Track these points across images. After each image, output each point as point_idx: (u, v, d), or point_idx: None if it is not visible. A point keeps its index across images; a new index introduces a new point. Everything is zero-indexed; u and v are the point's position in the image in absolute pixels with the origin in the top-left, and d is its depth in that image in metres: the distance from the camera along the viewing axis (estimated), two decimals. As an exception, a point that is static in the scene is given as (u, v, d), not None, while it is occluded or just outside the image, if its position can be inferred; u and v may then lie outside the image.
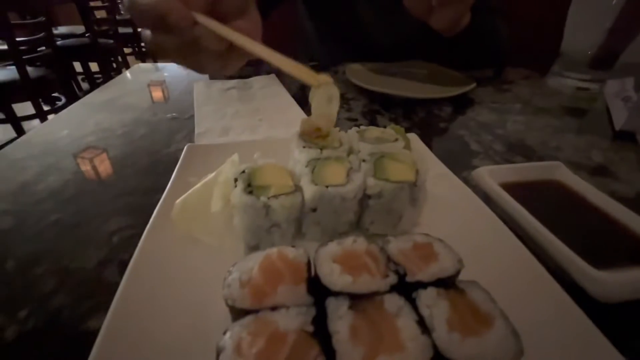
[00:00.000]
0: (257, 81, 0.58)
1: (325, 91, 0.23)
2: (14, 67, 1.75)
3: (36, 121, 2.09)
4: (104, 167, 0.35)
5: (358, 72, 0.59)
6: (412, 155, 0.24)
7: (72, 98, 2.14)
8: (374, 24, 0.65)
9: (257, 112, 0.46)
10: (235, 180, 0.21)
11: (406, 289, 0.14)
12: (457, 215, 0.23)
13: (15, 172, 0.33)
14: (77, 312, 0.19)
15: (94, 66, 2.50)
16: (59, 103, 2.17)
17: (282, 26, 0.72)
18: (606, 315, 0.17)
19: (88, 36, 2.31)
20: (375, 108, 0.50)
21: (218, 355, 0.12)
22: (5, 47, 1.64)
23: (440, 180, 0.28)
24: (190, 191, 0.24)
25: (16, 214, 0.28)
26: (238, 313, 0.14)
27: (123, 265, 0.20)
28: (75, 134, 0.42)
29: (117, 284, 0.18)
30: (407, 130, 0.31)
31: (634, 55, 0.55)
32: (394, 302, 0.13)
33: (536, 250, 0.22)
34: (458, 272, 0.16)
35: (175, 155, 0.32)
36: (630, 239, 0.23)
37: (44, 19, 1.83)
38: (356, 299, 0.13)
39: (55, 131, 0.43)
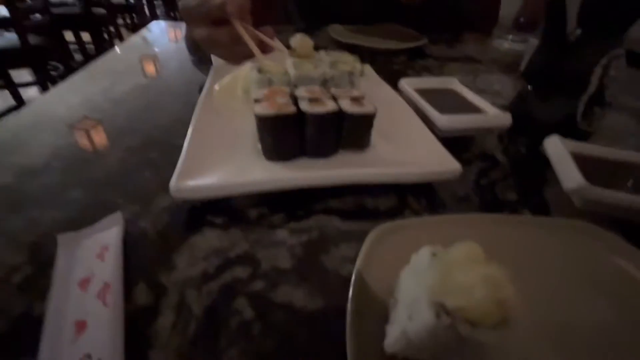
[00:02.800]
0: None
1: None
2: (11, 34, 1.81)
3: (34, 89, 2.17)
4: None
5: (337, 30, 0.75)
6: (354, 62, 0.40)
7: (69, 67, 2.22)
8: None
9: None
10: (252, 68, 0.38)
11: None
12: (383, 105, 0.38)
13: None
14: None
15: (85, 37, 2.54)
16: (54, 73, 2.25)
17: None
18: (446, 142, 0.34)
19: (80, 4, 2.32)
20: (347, 55, 0.66)
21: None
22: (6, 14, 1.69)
23: (378, 90, 0.45)
24: (223, 79, 0.40)
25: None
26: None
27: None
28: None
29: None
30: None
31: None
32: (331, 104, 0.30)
33: (421, 116, 0.39)
34: (374, 114, 0.32)
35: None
36: (469, 107, 0.41)
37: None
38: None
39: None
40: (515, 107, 0.43)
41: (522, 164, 0.37)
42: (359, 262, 0.21)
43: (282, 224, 0.27)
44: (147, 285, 0.22)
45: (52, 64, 2.32)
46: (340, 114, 0.29)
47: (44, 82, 1.99)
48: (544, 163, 0.34)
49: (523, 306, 0.14)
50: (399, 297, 0.18)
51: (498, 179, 0.34)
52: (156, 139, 0.37)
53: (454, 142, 0.33)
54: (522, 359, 0.17)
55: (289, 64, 0.38)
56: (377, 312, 0.19)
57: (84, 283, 0.21)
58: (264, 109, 0.28)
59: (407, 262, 0.19)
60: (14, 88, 1.99)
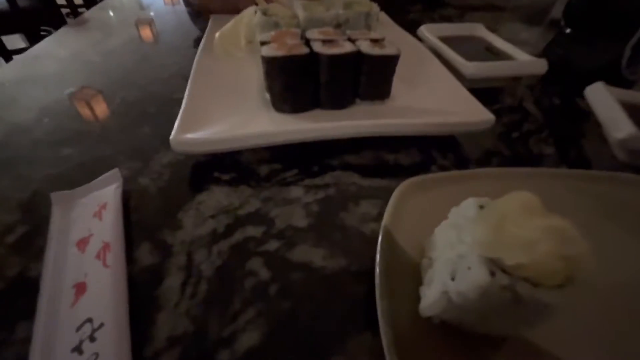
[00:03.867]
0: None
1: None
2: (-3, -3, 1.71)
3: None
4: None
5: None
6: (370, 2, 0.36)
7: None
8: None
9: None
10: (255, 12, 0.33)
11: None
12: (402, 52, 0.34)
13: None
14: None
15: (77, -1, 2.41)
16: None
17: None
18: (471, 93, 0.30)
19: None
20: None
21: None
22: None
23: (396, 36, 0.40)
24: (225, 26, 0.36)
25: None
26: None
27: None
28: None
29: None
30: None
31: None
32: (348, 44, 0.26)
33: (445, 65, 0.35)
34: (397, 56, 0.28)
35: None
36: (497, 54, 0.36)
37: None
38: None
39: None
40: (548, 54, 0.38)
41: (556, 115, 0.34)
42: (385, 218, 0.18)
43: (296, 180, 0.24)
44: (151, 245, 0.20)
45: (44, 29, 2.22)
46: (358, 56, 0.25)
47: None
48: (581, 114, 0.31)
49: (594, 263, 0.12)
50: (435, 256, 0.16)
51: (531, 131, 0.31)
52: (154, 93, 0.34)
53: (480, 93, 0.29)
54: (585, 323, 0.15)
55: (298, 6, 0.34)
56: (408, 272, 0.17)
57: (82, 243, 0.19)
58: (272, 51, 0.24)
59: (441, 218, 0.17)
60: (7, 55, 1.92)
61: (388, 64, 0.26)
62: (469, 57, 0.34)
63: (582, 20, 0.36)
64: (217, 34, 0.36)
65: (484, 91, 0.33)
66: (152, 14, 0.56)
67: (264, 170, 0.25)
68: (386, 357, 0.14)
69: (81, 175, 0.23)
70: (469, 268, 0.13)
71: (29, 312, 0.16)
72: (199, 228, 0.21)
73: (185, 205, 0.22)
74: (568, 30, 0.38)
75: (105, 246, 0.18)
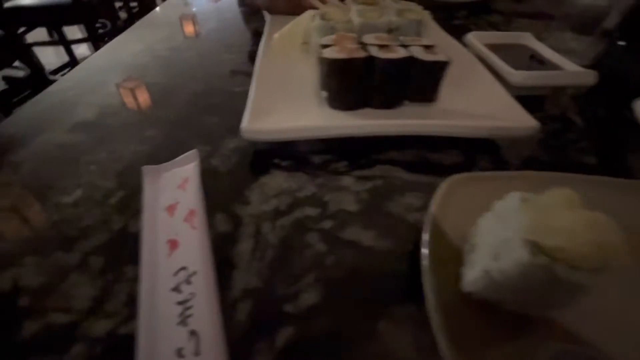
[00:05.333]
0: None
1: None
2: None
3: (83, 46, 2.26)
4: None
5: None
6: (422, 11, 0.38)
7: (115, 25, 2.28)
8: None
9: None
10: (314, 16, 0.36)
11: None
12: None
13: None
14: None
15: (130, -6, 2.57)
16: (102, 30, 2.32)
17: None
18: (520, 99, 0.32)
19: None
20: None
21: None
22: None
23: (444, 42, 0.42)
24: (283, 28, 0.39)
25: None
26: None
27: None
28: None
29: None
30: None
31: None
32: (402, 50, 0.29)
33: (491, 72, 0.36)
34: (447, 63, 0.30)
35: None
36: (542, 64, 0.37)
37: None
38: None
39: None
40: (599, 65, 0.39)
41: (601, 126, 0.34)
42: (433, 207, 0.21)
43: (347, 171, 0.27)
44: (225, 215, 0.23)
45: (100, 21, 2.40)
46: (411, 61, 0.28)
47: (94, 38, 2.07)
48: (627, 126, 0.31)
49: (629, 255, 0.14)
50: (478, 242, 0.18)
51: (573, 141, 0.32)
52: (217, 86, 0.38)
53: (524, 101, 0.31)
54: (618, 308, 0.17)
55: (353, 12, 0.37)
56: (451, 256, 0.19)
57: (171, 209, 0.23)
58: (334, 53, 0.27)
59: (484, 211, 0.19)
60: (67, 44, 2.10)
61: (438, 69, 0.28)
62: (514, 65, 0.35)
63: (637, 33, 0.36)
64: (276, 35, 0.39)
65: (528, 99, 0.34)
66: (210, 10, 0.61)
67: (317, 160, 0.28)
68: (431, 322, 0.16)
69: (162, 153, 0.28)
70: (511, 249, 0.15)
71: (133, 258, 0.20)
72: (264, 204, 0.24)
73: (251, 185, 0.26)
74: (622, 42, 0.37)
75: (191, 212, 0.22)
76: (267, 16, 0.48)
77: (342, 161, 0.28)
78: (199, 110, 0.34)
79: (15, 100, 1.73)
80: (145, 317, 0.17)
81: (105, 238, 0.22)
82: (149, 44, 0.48)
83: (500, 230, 0.17)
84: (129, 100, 0.35)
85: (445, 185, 0.22)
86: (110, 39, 0.52)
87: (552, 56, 0.39)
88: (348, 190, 0.25)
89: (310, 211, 0.24)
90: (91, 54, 0.47)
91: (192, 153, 0.27)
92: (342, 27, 0.35)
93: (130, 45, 0.48)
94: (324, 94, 0.30)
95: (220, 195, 0.25)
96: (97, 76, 0.40)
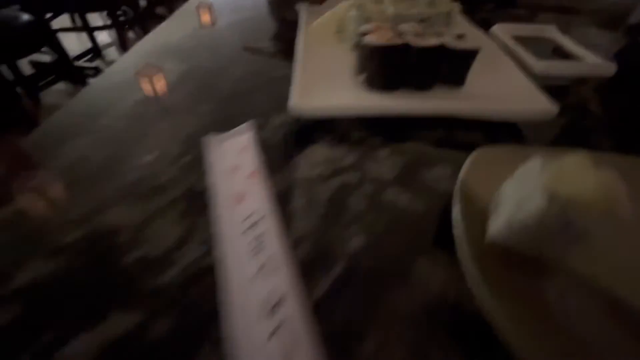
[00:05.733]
0: None
1: None
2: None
3: (103, 33, 2.32)
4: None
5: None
6: (451, 2, 0.40)
7: (136, 12, 2.34)
8: None
9: None
10: (350, 7, 0.39)
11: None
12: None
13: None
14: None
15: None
16: (123, 18, 2.38)
17: None
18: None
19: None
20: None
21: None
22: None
23: (470, 33, 0.44)
24: (321, 17, 0.43)
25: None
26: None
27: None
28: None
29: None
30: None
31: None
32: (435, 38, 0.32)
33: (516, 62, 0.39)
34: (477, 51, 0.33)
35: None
36: (567, 55, 0.39)
37: None
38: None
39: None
40: (619, 58, 0.41)
41: (620, 116, 0.36)
42: (462, 173, 0.24)
43: (382, 145, 0.30)
44: (279, 177, 0.27)
45: (123, 8, 2.46)
46: (444, 49, 0.30)
47: (117, 25, 2.12)
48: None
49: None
50: (502, 200, 0.21)
51: (592, 128, 0.34)
52: (258, 70, 0.42)
53: (547, 90, 0.33)
54: (625, 256, 0.20)
55: (387, 3, 0.39)
56: (478, 212, 0.22)
57: (234, 170, 0.27)
58: (373, 40, 0.30)
59: (507, 178, 0.22)
60: (90, 30, 2.17)
61: (468, 57, 0.31)
62: (537, 57, 0.38)
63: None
64: (314, 23, 0.43)
65: (550, 89, 0.37)
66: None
67: (356, 136, 0.31)
68: (462, 264, 0.19)
69: (217, 126, 0.31)
70: (531, 200, 0.18)
71: (207, 207, 0.24)
72: (311, 170, 0.28)
73: (299, 154, 0.29)
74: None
75: (252, 172, 0.26)
76: (303, 7, 0.51)
77: (378, 137, 0.31)
78: (245, 90, 0.38)
79: (41, 84, 1.81)
80: (223, 251, 0.21)
81: (179, 192, 0.26)
82: (191, 30, 0.52)
83: (522, 188, 0.20)
84: (180, 80, 0.39)
85: (473, 156, 0.25)
86: (131, 26, 0.56)
87: (575, 49, 0.41)
88: (384, 161, 0.29)
89: (352, 177, 0.27)
90: (111, 41, 0.51)
91: (247, 125, 0.30)
92: (377, 18, 0.38)
93: (174, 31, 0.52)
94: (362, 77, 0.33)
95: (272, 162, 0.29)
96: (149, 59, 0.44)
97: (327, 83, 0.34)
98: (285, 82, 0.34)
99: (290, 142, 0.31)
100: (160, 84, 0.38)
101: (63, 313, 0.19)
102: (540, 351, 0.16)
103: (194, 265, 0.21)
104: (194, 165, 0.28)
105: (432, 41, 0.31)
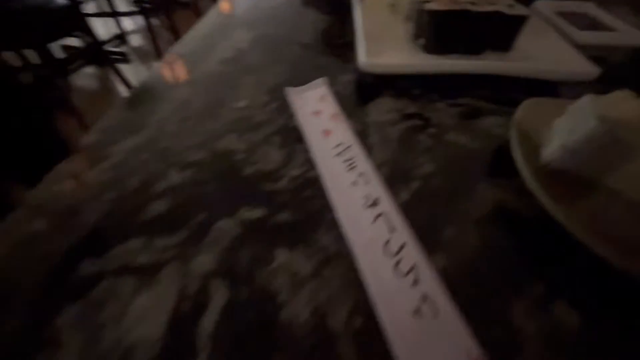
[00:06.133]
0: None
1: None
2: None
3: (127, 20, 2.39)
4: None
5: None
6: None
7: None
8: None
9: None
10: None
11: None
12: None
13: None
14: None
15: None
16: (148, 5, 2.44)
17: None
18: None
19: None
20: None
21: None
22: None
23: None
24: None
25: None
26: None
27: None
28: None
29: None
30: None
31: None
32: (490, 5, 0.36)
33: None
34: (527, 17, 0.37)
35: None
36: (606, 28, 0.43)
37: None
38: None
39: None
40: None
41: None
42: (516, 115, 0.28)
43: (439, 99, 0.35)
44: (354, 120, 0.32)
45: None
46: (500, 14, 0.35)
47: (143, 12, 2.17)
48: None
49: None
50: (555, 131, 0.26)
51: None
52: (320, 38, 0.47)
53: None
54: None
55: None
56: (531, 139, 0.27)
57: (317, 113, 0.32)
58: (436, 7, 0.35)
59: (557, 118, 0.26)
60: (116, 14, 2.24)
61: (519, 22, 0.35)
62: (580, 28, 0.41)
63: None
64: (369, -3, 0.47)
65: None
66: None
67: (416, 91, 0.36)
68: (525, 180, 0.24)
69: (295, 81, 0.36)
70: (583, 124, 0.22)
71: (299, 140, 0.29)
72: (381, 117, 0.33)
73: (367, 105, 0.34)
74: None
75: (334, 115, 0.31)
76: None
77: (434, 94, 0.36)
78: (312, 55, 0.43)
79: (71, 67, 1.90)
80: (321, 169, 0.26)
81: (275, 128, 0.31)
82: (255, 3, 0.57)
83: (574, 120, 0.24)
84: (251, 46, 0.44)
85: (525, 104, 0.29)
86: (156, 12, 0.61)
87: (612, 23, 0.44)
88: (443, 111, 0.33)
89: (417, 122, 0.32)
90: (135, 28, 0.55)
91: (322, 80, 0.35)
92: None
93: (240, 3, 0.57)
94: (421, 41, 0.37)
95: (346, 109, 0.33)
96: (222, 29, 0.49)
97: (387, 46, 0.38)
98: (346, 48, 0.38)
99: (359, 95, 0.36)
100: (236, 48, 0.43)
101: (205, 206, 0.24)
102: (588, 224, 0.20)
103: (300, 178, 0.26)
104: (281, 110, 0.33)
105: (488, 8, 0.35)
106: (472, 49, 0.37)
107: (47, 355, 0.17)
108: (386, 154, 0.28)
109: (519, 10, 0.35)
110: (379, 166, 0.27)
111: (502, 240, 0.22)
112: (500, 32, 0.36)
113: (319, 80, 0.36)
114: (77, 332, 0.17)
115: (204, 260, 0.21)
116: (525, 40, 0.38)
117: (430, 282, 0.19)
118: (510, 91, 0.36)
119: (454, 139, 0.30)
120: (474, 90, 0.36)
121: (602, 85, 0.38)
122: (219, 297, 0.19)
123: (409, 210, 0.24)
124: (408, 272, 0.19)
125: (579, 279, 0.20)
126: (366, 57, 0.35)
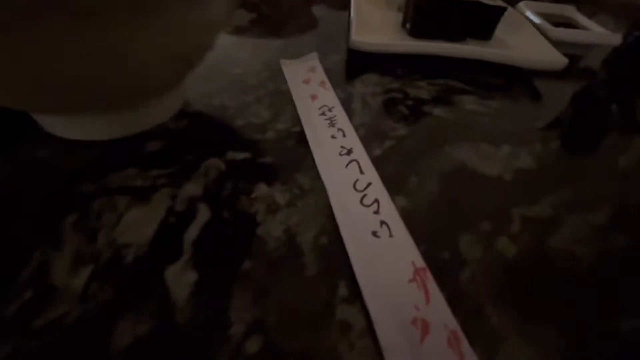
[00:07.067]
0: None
1: None
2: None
3: None
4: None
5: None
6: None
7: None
8: None
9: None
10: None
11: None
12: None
13: None
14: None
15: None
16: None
17: None
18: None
19: None
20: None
21: None
22: None
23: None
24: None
25: None
26: None
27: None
28: None
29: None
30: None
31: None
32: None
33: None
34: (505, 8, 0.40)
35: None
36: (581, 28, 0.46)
37: None
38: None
39: None
40: (626, 34, 0.47)
41: (627, 82, 0.43)
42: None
43: (420, 79, 0.38)
44: (340, 90, 0.35)
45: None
46: (480, 4, 0.38)
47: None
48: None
49: None
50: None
51: (596, 85, 0.41)
52: (315, 22, 0.50)
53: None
54: None
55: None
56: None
57: (306, 81, 0.35)
58: (421, -6, 0.38)
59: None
60: None
61: (498, 12, 0.38)
62: (557, 27, 0.44)
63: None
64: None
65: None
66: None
67: (399, 71, 0.39)
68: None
69: (288, 56, 0.39)
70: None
71: (288, 100, 0.32)
72: (365, 88, 0.35)
73: (354, 79, 0.37)
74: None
75: (322, 82, 0.34)
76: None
77: (417, 74, 0.39)
78: (306, 36, 0.46)
79: None
80: (306, 124, 0.29)
81: (266, 91, 0.34)
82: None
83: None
84: (249, 26, 0.47)
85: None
86: None
87: (589, 24, 0.47)
88: (423, 89, 0.36)
89: (397, 95, 0.35)
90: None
91: (313, 54, 0.38)
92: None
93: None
94: (408, 25, 0.41)
95: (334, 81, 0.36)
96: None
97: (378, 29, 0.41)
98: (339, 33, 0.41)
99: (347, 71, 0.38)
100: (233, 28, 0.46)
101: (197, 148, 0.27)
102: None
103: (286, 131, 0.29)
104: (274, 77, 0.36)
105: (469, -1, 0.38)
106: (454, 36, 0.40)
107: (47, 250, 0.19)
108: (365, 118, 0.31)
109: (498, 3, 0.39)
110: (357, 127, 0.30)
111: (460, 192, 0.25)
112: (480, 21, 0.39)
113: (312, 55, 0.38)
114: (75, 233, 0.20)
115: (192, 188, 0.23)
116: (503, 31, 0.41)
117: (390, 213, 0.21)
118: (486, 75, 0.39)
119: (429, 110, 0.33)
120: (453, 72, 0.39)
121: (572, 81, 0.41)
122: (202, 215, 0.21)
123: (379, 162, 0.26)
124: (371, 204, 0.22)
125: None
126: (356, 35, 0.38)
